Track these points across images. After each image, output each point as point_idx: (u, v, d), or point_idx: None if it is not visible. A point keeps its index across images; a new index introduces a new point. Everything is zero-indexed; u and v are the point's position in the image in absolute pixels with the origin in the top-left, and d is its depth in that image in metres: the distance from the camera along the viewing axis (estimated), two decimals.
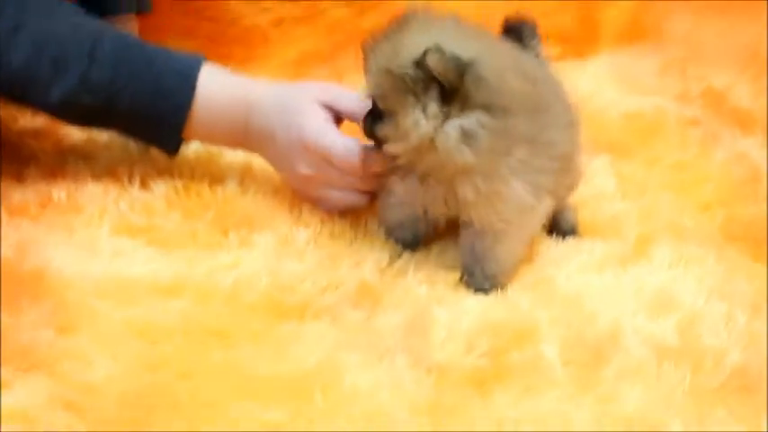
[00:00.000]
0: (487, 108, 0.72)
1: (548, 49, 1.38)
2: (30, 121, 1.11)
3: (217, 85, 0.90)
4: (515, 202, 0.76)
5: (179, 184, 0.95)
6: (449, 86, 0.71)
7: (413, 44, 0.72)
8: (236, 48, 1.31)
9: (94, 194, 0.92)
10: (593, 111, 1.24)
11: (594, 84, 1.33)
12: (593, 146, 1.11)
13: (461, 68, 0.71)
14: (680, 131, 1.19)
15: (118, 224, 0.87)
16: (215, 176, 0.97)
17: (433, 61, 0.70)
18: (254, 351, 0.72)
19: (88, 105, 0.88)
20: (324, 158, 0.85)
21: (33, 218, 0.87)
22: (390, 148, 0.76)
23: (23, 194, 0.91)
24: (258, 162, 1.00)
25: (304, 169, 0.87)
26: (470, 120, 0.72)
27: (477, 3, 1.38)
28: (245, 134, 0.91)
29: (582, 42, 1.41)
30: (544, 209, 0.81)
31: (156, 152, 1.01)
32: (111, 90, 0.87)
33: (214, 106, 0.90)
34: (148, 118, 0.89)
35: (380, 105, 0.76)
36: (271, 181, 0.97)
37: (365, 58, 0.77)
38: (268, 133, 0.89)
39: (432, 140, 0.73)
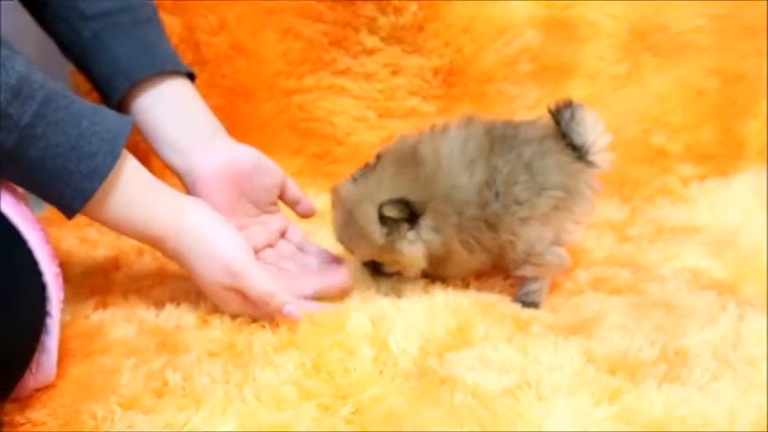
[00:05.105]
0: (426, 215, 0.96)
1: (690, 170, 1.27)
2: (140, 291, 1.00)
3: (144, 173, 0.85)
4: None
5: (306, 359, 0.84)
6: (405, 217, 0.95)
7: (364, 218, 0.94)
8: (342, 166, 1.20)
9: (214, 376, 0.81)
10: (748, 251, 1.11)
11: (741, 209, 1.21)
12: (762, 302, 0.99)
13: (403, 205, 0.94)
14: None
15: (245, 419, 0.76)
16: (344, 346, 0.86)
17: (388, 211, 0.94)
18: None
19: None
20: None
21: (148, 411, 0.76)
22: (410, 273, 1.00)
23: (135, 379, 0.80)
24: (387, 327, 0.89)
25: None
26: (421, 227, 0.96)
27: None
28: (164, 241, 0.86)
29: (724, 160, 1.28)
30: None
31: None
32: (26, 133, 0.75)
33: (136, 190, 0.84)
34: (57, 174, 0.78)
35: (380, 262, 0.98)
36: (406, 353, 0.86)
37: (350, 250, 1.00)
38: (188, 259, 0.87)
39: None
